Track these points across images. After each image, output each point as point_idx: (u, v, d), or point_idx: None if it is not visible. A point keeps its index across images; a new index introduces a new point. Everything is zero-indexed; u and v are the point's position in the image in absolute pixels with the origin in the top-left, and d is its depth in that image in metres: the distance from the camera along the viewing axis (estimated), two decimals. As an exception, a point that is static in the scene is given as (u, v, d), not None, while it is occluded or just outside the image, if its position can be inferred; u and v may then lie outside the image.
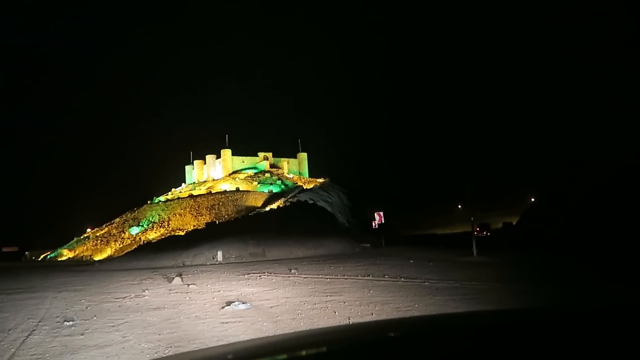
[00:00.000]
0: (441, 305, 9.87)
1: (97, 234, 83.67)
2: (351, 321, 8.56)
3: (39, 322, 10.12)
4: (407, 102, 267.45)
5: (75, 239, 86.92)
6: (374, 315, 9.13)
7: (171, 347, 7.29)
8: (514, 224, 50.38)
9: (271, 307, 10.53)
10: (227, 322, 8.98)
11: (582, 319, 2.04)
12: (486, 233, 50.75)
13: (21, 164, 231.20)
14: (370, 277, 15.76)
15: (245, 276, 18.53)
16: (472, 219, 25.77)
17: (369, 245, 41.21)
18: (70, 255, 77.32)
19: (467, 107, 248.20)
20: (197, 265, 29.88)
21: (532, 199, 48.39)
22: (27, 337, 8.57)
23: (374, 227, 41.96)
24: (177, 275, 18.34)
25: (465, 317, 3.15)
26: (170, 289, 15.11)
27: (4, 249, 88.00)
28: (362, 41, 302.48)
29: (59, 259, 74.92)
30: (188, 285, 15.90)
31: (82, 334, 8.52)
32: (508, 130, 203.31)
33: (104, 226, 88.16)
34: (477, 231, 31.09)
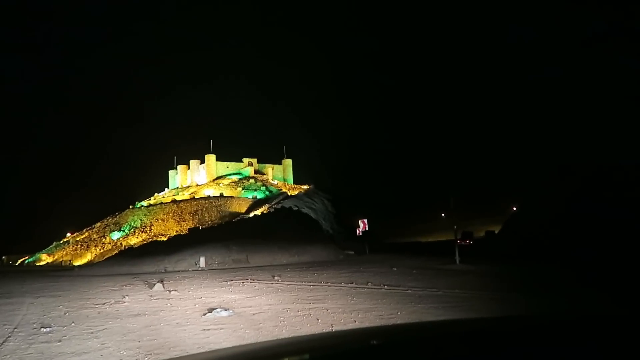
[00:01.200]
0: (424, 313, 9.90)
1: (77, 239, 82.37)
2: (334, 329, 8.53)
3: (15, 328, 9.88)
4: (392, 110, 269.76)
5: (54, 243, 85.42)
6: (356, 322, 9.11)
7: (151, 354, 7.17)
8: (496, 232, 50.89)
9: (254, 314, 10.45)
10: (208, 329, 8.87)
11: (567, 328, 2.05)
12: (469, 242, 51.14)
13: None
14: (353, 285, 15.74)
15: (228, 282, 18.36)
16: (455, 227, 25.99)
17: (352, 252, 41.22)
18: (49, 260, 75.91)
19: (452, 117, 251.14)
20: (179, 271, 29.54)
21: (514, 208, 48.96)
22: (2, 343, 8.35)
23: (358, 234, 42.02)
24: (158, 281, 18.09)
25: (448, 324, 3.16)
26: (151, 295, 14.89)
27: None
28: (350, 47, 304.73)
29: (38, 264, 73.43)
30: (169, 291, 15.70)
31: (60, 341, 8.34)
32: (490, 140, 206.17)
33: (84, 231, 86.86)
34: (460, 240, 31.33)
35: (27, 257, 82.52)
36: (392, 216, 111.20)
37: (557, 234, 29.27)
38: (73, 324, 10.03)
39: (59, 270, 42.11)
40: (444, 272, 19.38)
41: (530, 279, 16.69)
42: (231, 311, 10.67)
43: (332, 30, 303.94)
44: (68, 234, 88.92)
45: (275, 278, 19.18)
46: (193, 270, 29.47)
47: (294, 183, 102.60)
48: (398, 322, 8.95)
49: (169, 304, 12.66)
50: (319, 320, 9.36)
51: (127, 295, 14.91)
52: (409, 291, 13.54)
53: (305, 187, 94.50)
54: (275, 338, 7.84)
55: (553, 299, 11.48)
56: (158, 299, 14.01)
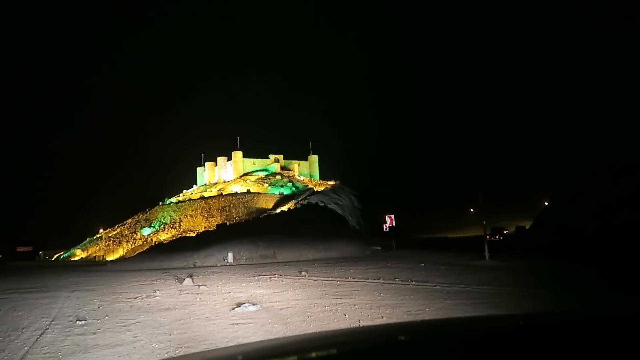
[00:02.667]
0: (452, 309, 9.78)
1: (110, 235, 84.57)
2: (361, 324, 8.51)
3: (52, 321, 10.22)
4: (419, 104, 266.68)
5: (88, 239, 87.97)
6: (384, 318, 9.07)
7: (181, 347, 7.31)
8: (527, 228, 49.89)
9: (281, 309, 10.52)
10: (237, 324, 8.98)
11: (599, 325, 2.00)
12: (499, 237, 50.28)
13: (35, 165, 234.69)
14: (380, 280, 15.68)
15: (256, 278, 18.55)
16: (484, 222, 25.54)
17: (379, 248, 41.02)
18: (83, 255, 78.23)
19: (481, 110, 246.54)
20: (207, 266, 30.00)
21: (546, 203, 47.87)
22: (40, 335, 8.66)
23: (384, 229, 41.71)
24: (188, 276, 18.42)
25: (477, 321, 3.11)
26: (181, 290, 15.17)
27: (19, 249, 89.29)
28: (379, 42, 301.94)
29: (72, 259, 75.82)
30: (199, 286, 15.96)
31: (94, 334, 8.59)
32: (521, 133, 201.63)
33: (116, 227, 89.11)
34: (489, 235, 30.82)
35: (62, 253, 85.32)
36: (420, 211, 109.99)
37: (593, 231, 28.48)
38: (107, 317, 10.31)
39: (93, 265, 43.33)
40: (472, 268, 19.10)
41: (563, 275, 16.27)
42: (259, 306, 10.78)
43: (362, 23, 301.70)
44: (101, 230, 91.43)
45: (302, 273, 19.26)
46: (221, 266, 29.88)
47: (320, 179, 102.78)
48: (426, 318, 8.87)
49: (198, 299, 12.87)
50: (346, 316, 9.36)
51: (157, 290, 15.23)
52: (437, 287, 13.40)
53: (332, 183, 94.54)
54: (302, 333, 7.88)
55: (586, 297, 11.18)
56: (188, 293, 14.27)
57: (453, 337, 2.06)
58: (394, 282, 15.18)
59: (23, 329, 9.42)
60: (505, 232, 51.40)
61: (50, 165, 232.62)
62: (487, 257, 22.05)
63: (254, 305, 10.75)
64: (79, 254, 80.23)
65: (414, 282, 14.70)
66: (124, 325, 9.25)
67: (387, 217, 40.60)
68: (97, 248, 78.92)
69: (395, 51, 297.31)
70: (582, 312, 4.07)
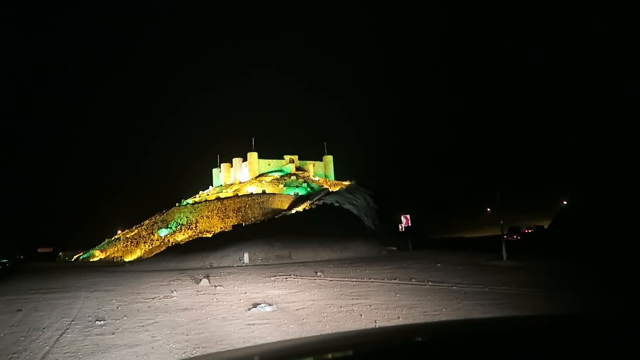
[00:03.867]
0: (470, 310, 9.69)
1: (127, 236, 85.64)
2: (378, 325, 8.48)
3: (72, 321, 10.39)
4: (435, 104, 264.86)
5: (106, 240, 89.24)
6: (400, 319, 9.02)
7: (199, 347, 7.36)
8: (545, 227, 49.22)
9: (297, 310, 10.53)
10: (253, 324, 9.02)
11: (622, 328, 1.96)
12: (516, 237, 49.71)
13: (55, 169, 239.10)
14: (397, 281, 15.61)
15: (272, 278, 18.61)
16: (501, 222, 25.26)
17: (395, 248, 40.87)
18: (102, 256, 79.40)
19: (498, 109, 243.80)
20: (224, 267, 30.20)
21: (565, 202, 47.18)
22: (60, 335, 8.80)
23: (400, 230, 41.52)
24: (204, 277, 18.56)
25: (496, 322, 3.08)
26: (197, 290, 15.29)
27: (39, 250, 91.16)
28: (396, 40, 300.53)
29: (91, 260, 77.05)
30: (215, 286, 16.06)
31: (113, 333, 8.70)
32: (539, 132, 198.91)
33: (133, 228, 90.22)
34: (506, 235, 30.50)
35: (81, 254, 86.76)
36: (435, 211, 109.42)
37: (612, 230, 27.98)
38: (125, 318, 10.44)
39: (111, 266, 43.91)
40: (490, 268, 18.90)
41: (583, 276, 16.01)
42: (275, 306, 10.81)
43: (380, 23, 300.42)
44: (119, 231, 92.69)
45: (318, 274, 19.27)
46: (237, 266, 30.05)
47: (335, 179, 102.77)
48: (443, 319, 8.80)
49: (215, 299, 12.96)
50: (363, 316, 9.33)
51: (175, 290, 15.37)
52: (454, 287, 13.29)
53: (347, 183, 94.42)
54: (319, 333, 7.89)
55: (606, 298, 10.98)
56: (204, 294, 14.37)
57: (471, 338, 2.04)
58: (410, 282, 15.09)
59: (44, 328, 9.59)
60: (528, 230, 50.72)
61: (69, 169, 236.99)
62: (504, 257, 21.81)
63: (270, 305, 10.79)
64: (97, 254, 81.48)
65: (430, 283, 14.60)
66: (142, 326, 9.35)
67: (402, 217, 40.39)
68: (116, 249, 79.99)
69: (412, 50, 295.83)
70: (605, 314, 4.00)
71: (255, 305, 10.87)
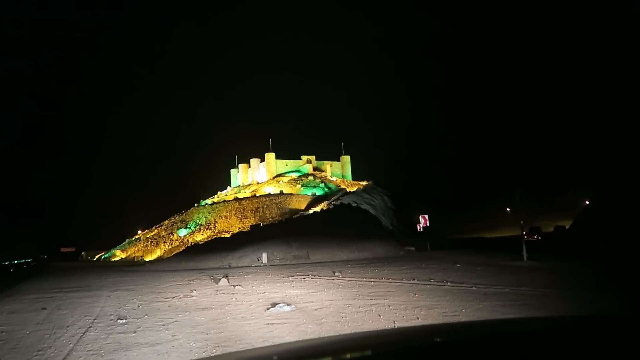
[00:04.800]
0: (490, 311, 9.59)
1: (147, 236, 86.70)
2: (396, 325, 8.46)
3: (95, 319, 10.59)
4: (452, 103, 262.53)
5: (127, 240, 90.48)
6: (419, 319, 8.98)
7: (218, 346, 7.44)
8: (567, 227, 48.36)
9: (315, 310, 10.56)
10: (272, 324, 9.07)
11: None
12: (537, 237, 48.94)
13: (77, 170, 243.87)
14: (415, 281, 15.53)
15: (290, 278, 18.68)
16: (521, 222, 24.92)
17: (413, 248, 40.65)
18: (123, 255, 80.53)
19: (517, 106, 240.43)
20: (242, 266, 30.41)
21: (587, 202, 46.29)
22: (84, 333, 8.98)
23: (418, 230, 41.34)
24: (223, 277, 18.72)
25: (516, 323, 3.05)
26: (217, 290, 15.44)
27: (62, 250, 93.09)
28: (412, 40, 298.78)
29: (112, 259, 78.20)
30: (234, 286, 16.19)
31: (135, 332, 8.84)
32: (559, 130, 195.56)
33: (153, 228, 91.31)
34: (527, 235, 30.04)
35: (102, 253, 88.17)
36: (454, 212, 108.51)
37: (635, 231, 27.37)
38: (146, 316, 10.60)
39: (132, 266, 44.55)
40: (510, 269, 18.67)
41: (605, 277, 15.69)
42: (293, 306, 10.85)
43: (395, 22, 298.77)
44: (139, 231, 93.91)
45: (336, 274, 19.28)
46: (255, 266, 30.23)
47: (352, 179, 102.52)
48: (462, 319, 8.73)
49: (234, 299, 13.06)
50: (381, 317, 9.31)
51: (194, 290, 15.54)
52: (474, 288, 13.16)
53: (364, 183, 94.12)
54: (337, 333, 7.90)
55: (627, 300, 10.75)
56: (223, 293, 14.50)
57: (491, 339, 2.03)
58: (429, 283, 15.00)
59: (68, 326, 9.80)
60: (535, 236, 49.78)
61: (91, 170, 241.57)
62: (525, 258, 21.53)
63: (288, 305, 10.84)
64: (118, 254, 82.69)
65: (449, 283, 14.49)
66: (163, 325, 9.49)
67: (420, 218, 40.23)
68: (136, 249, 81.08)
69: (427, 49, 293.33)
70: (626, 315, 3.93)
71: (273, 305, 10.93)
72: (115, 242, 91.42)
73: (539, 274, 16.69)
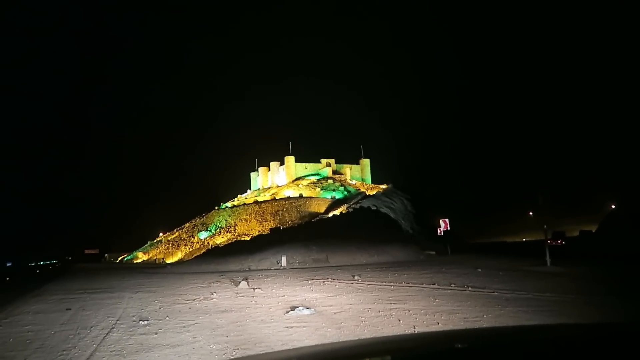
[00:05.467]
0: (512, 316, 9.43)
1: (169, 238, 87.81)
2: (416, 330, 8.38)
3: (117, 320, 10.76)
4: (473, 104, 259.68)
5: (149, 242, 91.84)
6: (440, 324, 8.88)
7: (238, 349, 7.48)
8: (592, 232, 47.32)
9: (335, 313, 10.54)
10: (291, 327, 9.08)
11: None
12: (561, 242, 48.00)
13: (101, 174, 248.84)
14: (435, 286, 15.37)
15: (309, 281, 18.69)
16: (545, 226, 24.47)
17: (434, 252, 40.28)
18: (145, 257, 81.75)
19: (539, 107, 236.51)
20: (262, 269, 30.54)
21: (613, 206, 45.24)
22: (106, 334, 9.13)
23: (439, 234, 40.89)
24: (243, 279, 18.82)
25: (539, 330, 2.99)
26: (237, 293, 15.53)
27: (86, 252, 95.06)
28: (431, 42, 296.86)
29: (135, 261, 79.45)
30: (254, 289, 16.27)
31: (156, 333, 8.95)
32: (585, 131, 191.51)
33: (175, 231, 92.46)
34: (550, 240, 29.48)
35: (125, 255, 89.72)
36: (475, 215, 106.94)
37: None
38: (167, 318, 10.73)
39: (154, 268, 45.17)
40: (533, 274, 18.34)
41: (632, 282, 15.28)
42: (313, 310, 10.85)
43: (413, 25, 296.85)
44: (160, 234, 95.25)
45: (356, 278, 19.21)
46: (275, 269, 30.33)
47: (372, 183, 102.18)
48: (484, 325, 8.61)
49: (253, 302, 13.12)
50: (401, 321, 9.24)
51: (215, 292, 15.67)
52: (495, 293, 12.96)
53: (384, 186, 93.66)
54: (357, 338, 7.86)
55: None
56: (243, 296, 14.58)
57: (514, 346, 1.99)
58: (450, 287, 14.83)
59: (91, 327, 9.98)
60: (560, 241, 48.73)
61: (114, 174, 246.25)
62: (548, 263, 21.12)
63: (307, 308, 10.83)
64: (140, 256, 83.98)
65: (470, 288, 14.30)
66: (184, 326, 9.58)
67: (441, 221, 39.77)
68: (158, 251, 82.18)
69: (447, 49, 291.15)
70: None
71: (293, 308, 10.94)
72: (138, 245, 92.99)
73: (563, 279, 16.36)
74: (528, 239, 64.45)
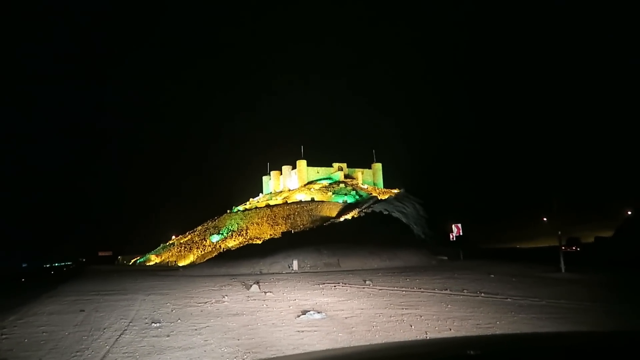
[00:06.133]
0: (526, 323, 9.32)
1: (181, 241, 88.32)
2: (428, 336, 8.33)
3: (130, 322, 10.85)
4: (486, 107, 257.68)
5: (161, 245, 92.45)
6: (452, 330, 8.81)
7: (249, 352, 7.49)
8: (608, 238, 46.59)
9: (346, 318, 10.51)
10: (302, 331, 9.08)
11: None
12: (575, 248, 47.34)
13: (115, 177, 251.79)
14: (447, 291, 15.26)
15: (320, 286, 18.66)
16: (559, 232, 24.17)
17: (446, 258, 39.98)
18: (157, 260, 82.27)
19: (553, 110, 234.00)
20: (273, 273, 30.58)
21: (629, 212, 44.53)
22: (119, 336, 9.21)
23: (451, 239, 40.59)
24: (254, 283, 18.87)
25: (553, 337, 2.96)
26: (248, 296, 15.57)
27: (100, 253, 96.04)
28: (443, 46, 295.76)
29: (147, 264, 79.97)
30: (265, 292, 16.29)
31: (168, 336, 9.01)
32: (598, 136, 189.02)
33: (187, 234, 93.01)
34: (564, 246, 29.10)
35: (138, 258, 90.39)
36: (488, 221, 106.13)
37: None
38: (179, 321, 10.79)
39: (166, 270, 45.47)
40: (547, 281, 18.12)
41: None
42: (324, 314, 10.83)
43: (425, 28, 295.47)
44: (173, 237, 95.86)
45: (367, 282, 19.14)
46: (286, 273, 30.34)
47: (384, 187, 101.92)
48: (497, 332, 8.52)
49: (264, 305, 13.14)
50: (413, 327, 9.19)
51: (226, 296, 15.73)
52: (508, 300, 12.83)
53: (396, 191, 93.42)
54: (368, 343, 7.84)
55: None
56: (254, 299, 14.61)
57: (528, 353, 1.98)
58: (462, 293, 14.71)
59: (104, 329, 10.07)
60: (574, 247, 48.00)
61: (128, 177, 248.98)
62: (563, 269, 20.85)
63: (319, 313, 10.82)
64: (153, 259, 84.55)
65: (483, 294, 14.18)
66: (195, 329, 9.63)
67: (453, 226, 39.52)
68: (170, 254, 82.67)
69: (460, 54, 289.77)
70: None
71: (304, 312, 10.94)
72: (150, 247, 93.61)
73: (578, 286, 16.14)
74: (541, 245, 63.65)
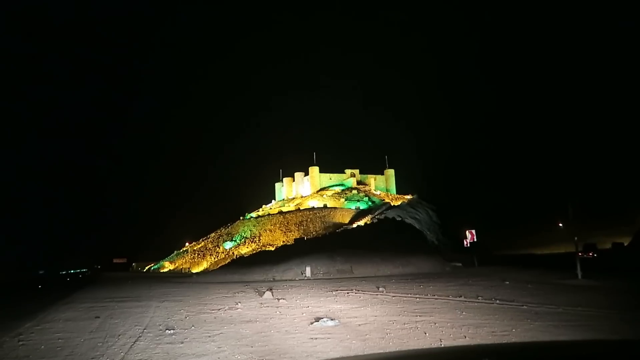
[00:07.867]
0: (542, 331, 9.18)
1: (195, 248, 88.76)
2: (443, 344, 8.24)
3: (144, 329, 10.91)
4: (499, 112, 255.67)
5: (175, 252, 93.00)
6: (467, 338, 8.71)
7: (263, 359, 7.49)
8: (625, 244, 45.84)
9: (359, 325, 10.45)
10: (316, 338, 9.05)
11: None
12: (593, 254, 46.63)
13: (129, 185, 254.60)
14: (462, 298, 15.11)
15: (333, 292, 18.60)
16: (575, 238, 23.82)
17: (460, 264, 39.62)
18: (171, 267, 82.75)
19: (569, 115, 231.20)
20: (286, 280, 30.57)
21: (647, 218, 43.76)
22: (134, 342, 9.27)
23: (465, 245, 40.19)
24: (267, 290, 18.87)
25: (571, 346, 2.91)
26: (261, 303, 15.58)
27: (115, 260, 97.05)
28: (457, 50, 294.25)
29: (161, 271, 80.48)
30: (278, 299, 16.29)
31: (182, 343, 9.04)
32: (615, 141, 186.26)
33: (200, 240, 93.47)
34: (581, 252, 28.66)
35: (152, 264, 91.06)
36: (502, 227, 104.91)
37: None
38: (193, 327, 10.83)
39: (180, 277, 45.71)
40: (563, 287, 17.85)
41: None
42: (337, 321, 10.79)
43: (439, 35, 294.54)
44: (186, 244, 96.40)
45: (380, 289, 19.04)
46: (299, 280, 30.31)
47: (396, 193, 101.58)
48: (513, 340, 8.41)
49: (278, 312, 13.13)
50: (427, 334, 9.10)
51: (239, 302, 15.75)
52: (524, 307, 12.66)
53: (409, 197, 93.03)
54: (382, 350, 7.78)
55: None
56: (268, 306, 14.61)
57: None
58: (477, 300, 14.55)
59: (119, 335, 10.14)
60: (591, 253, 47.20)
61: (142, 185, 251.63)
62: (579, 276, 20.52)
63: (332, 320, 10.78)
64: (167, 265, 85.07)
65: (498, 301, 14.01)
66: (209, 336, 9.65)
67: (467, 233, 39.13)
68: (184, 260, 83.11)
69: (473, 57, 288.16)
70: None
71: (317, 319, 10.91)
72: (164, 254, 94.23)
73: (595, 293, 15.87)
74: (557, 251, 62.76)
